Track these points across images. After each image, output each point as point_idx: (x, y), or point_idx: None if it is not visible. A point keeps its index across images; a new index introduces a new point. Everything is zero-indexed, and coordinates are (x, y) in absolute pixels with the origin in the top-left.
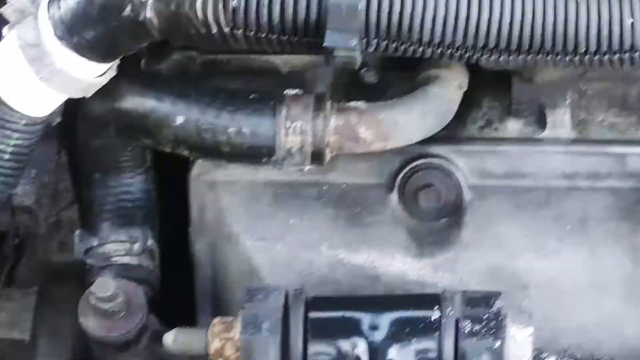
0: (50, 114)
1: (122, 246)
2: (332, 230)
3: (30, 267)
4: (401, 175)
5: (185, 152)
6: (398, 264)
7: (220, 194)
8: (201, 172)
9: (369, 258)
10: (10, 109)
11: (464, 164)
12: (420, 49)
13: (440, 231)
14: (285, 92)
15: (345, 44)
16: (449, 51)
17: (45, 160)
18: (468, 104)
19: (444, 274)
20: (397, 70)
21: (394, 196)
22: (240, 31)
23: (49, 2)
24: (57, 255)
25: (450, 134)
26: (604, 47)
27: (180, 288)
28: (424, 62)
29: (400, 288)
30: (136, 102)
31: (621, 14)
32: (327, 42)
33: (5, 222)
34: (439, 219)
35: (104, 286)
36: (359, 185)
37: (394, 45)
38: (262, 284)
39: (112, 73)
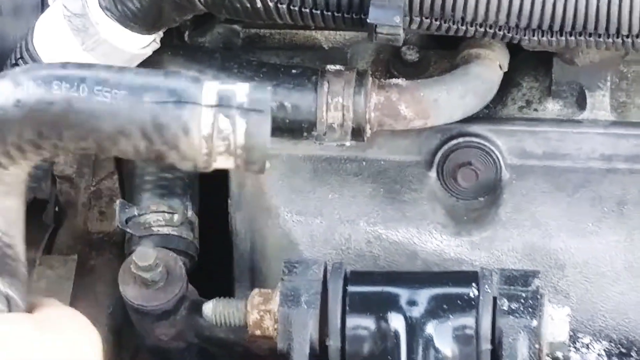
0: None
1: (162, 217)
2: (370, 206)
3: (70, 235)
4: (440, 153)
5: None
6: (435, 241)
7: None
8: None
9: (407, 234)
10: None
11: (503, 144)
12: (463, 27)
13: (477, 209)
14: (327, 67)
15: (388, 20)
16: (492, 31)
17: None
18: (508, 84)
19: (481, 252)
20: (438, 49)
21: (433, 174)
22: (284, 6)
23: None
24: (96, 224)
25: (490, 113)
26: None
27: (218, 260)
28: (465, 41)
29: (438, 265)
30: None
31: None
32: (371, 18)
33: (46, 191)
34: (477, 197)
35: (144, 255)
36: (398, 162)
37: (437, 23)
38: (300, 257)
39: (156, 45)
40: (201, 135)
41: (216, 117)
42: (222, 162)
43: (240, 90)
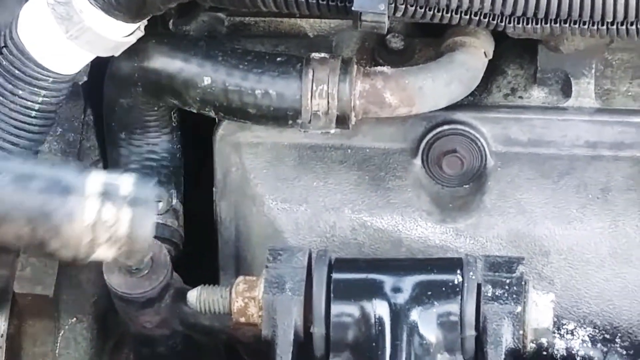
0: (78, 73)
1: None
2: (355, 193)
3: None
4: (425, 140)
5: (212, 113)
6: (420, 229)
7: (245, 156)
8: (226, 133)
9: (392, 222)
10: (39, 66)
11: (488, 131)
12: (448, 15)
13: (462, 197)
14: (311, 55)
15: (373, 8)
16: (476, 18)
17: (72, 118)
18: (493, 71)
19: (466, 240)
20: (423, 36)
21: (418, 161)
22: None
23: None
24: None
25: (475, 101)
26: (631, 17)
27: (203, 248)
28: (450, 29)
29: (422, 252)
30: (163, 62)
31: None
32: (356, 6)
33: None
34: (462, 184)
35: None
36: (383, 149)
37: (422, 10)
38: (284, 245)
39: (140, 33)
40: (84, 225)
41: (100, 207)
42: (104, 252)
43: (126, 182)
